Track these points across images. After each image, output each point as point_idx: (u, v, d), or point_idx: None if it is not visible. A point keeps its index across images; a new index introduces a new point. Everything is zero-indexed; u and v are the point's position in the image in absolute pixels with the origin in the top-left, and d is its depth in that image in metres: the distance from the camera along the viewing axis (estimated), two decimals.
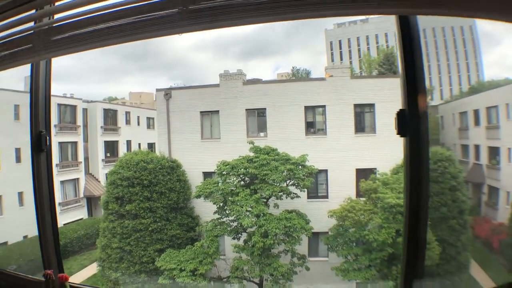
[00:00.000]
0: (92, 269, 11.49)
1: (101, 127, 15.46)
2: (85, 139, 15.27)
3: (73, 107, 14.72)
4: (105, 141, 15.72)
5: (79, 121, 14.91)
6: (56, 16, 1.57)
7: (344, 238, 8.70)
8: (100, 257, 10.39)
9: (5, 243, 9.87)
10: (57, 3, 1.53)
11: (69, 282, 1.58)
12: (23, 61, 1.55)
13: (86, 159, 15.34)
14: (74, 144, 14.76)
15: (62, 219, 13.48)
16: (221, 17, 1.22)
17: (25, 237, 11.79)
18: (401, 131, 1.39)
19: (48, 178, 1.75)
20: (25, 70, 1.67)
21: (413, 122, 1.36)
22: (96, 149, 15.39)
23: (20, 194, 12.00)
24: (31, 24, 1.56)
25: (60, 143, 14.06)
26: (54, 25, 1.54)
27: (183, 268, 9.12)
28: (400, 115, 1.38)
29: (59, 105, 14.04)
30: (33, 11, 1.55)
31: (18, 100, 11.96)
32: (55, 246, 1.73)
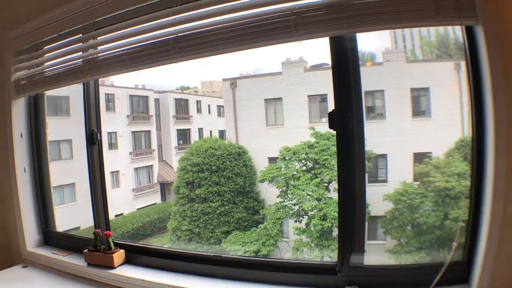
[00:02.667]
0: None
1: (173, 116, 16.40)
2: (158, 128, 16.29)
3: (145, 98, 15.71)
4: (177, 129, 16.62)
5: (152, 111, 15.89)
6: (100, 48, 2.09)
7: (398, 221, 8.77)
8: (170, 239, 11.35)
9: (78, 227, 11.05)
10: (99, 38, 2.07)
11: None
12: (74, 81, 2.13)
13: (160, 146, 16.38)
14: (148, 133, 15.77)
15: (137, 204, 14.53)
16: None
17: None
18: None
19: (100, 165, 2.31)
20: None
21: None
22: (169, 137, 16.36)
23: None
24: (80, 53, 2.12)
25: (133, 132, 15.09)
26: (98, 55, 2.06)
27: (247, 249, 9.75)
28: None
29: (131, 96, 15.07)
30: (81, 43, 2.12)
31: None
32: (105, 215, 2.29)
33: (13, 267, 2.40)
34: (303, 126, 11.46)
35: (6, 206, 2.59)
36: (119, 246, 2.16)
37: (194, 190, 11.11)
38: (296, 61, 12.63)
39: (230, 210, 11.27)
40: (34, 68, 2.38)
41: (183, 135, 17.06)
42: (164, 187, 16.66)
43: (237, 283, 1.79)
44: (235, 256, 2.02)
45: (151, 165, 15.98)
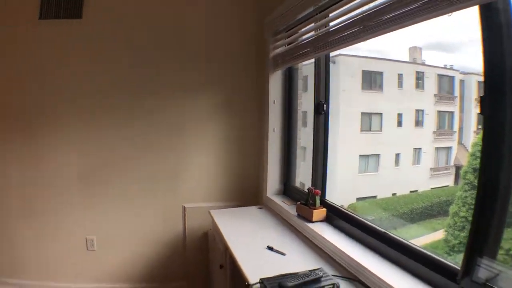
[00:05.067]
0: (440, 234, 11.88)
1: (475, 99, 14.94)
2: (461, 110, 15.17)
3: (450, 78, 14.87)
4: (478, 113, 15.12)
5: (456, 91, 14.91)
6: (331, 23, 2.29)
7: None
8: (448, 223, 10.61)
9: (375, 196, 11.57)
10: (330, 14, 2.27)
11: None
12: (309, 57, 2.44)
13: (460, 129, 15.29)
14: (451, 114, 14.91)
15: (431, 183, 14.21)
16: None
17: (393, 194, 13.26)
18: None
19: (324, 133, 2.57)
20: None
21: None
22: (469, 121, 15.06)
23: (397, 156, 13.57)
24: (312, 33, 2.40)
25: (438, 111, 14.65)
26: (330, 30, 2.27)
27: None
28: None
29: (439, 75, 14.55)
30: (312, 24, 2.39)
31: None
32: (323, 177, 2.56)
33: (252, 207, 3.06)
34: None
35: (260, 158, 3.27)
36: (327, 206, 2.41)
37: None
38: None
39: None
40: (286, 46, 2.83)
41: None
42: (458, 170, 15.59)
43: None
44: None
45: (450, 147, 15.21)
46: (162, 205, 3.44)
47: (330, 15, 2.21)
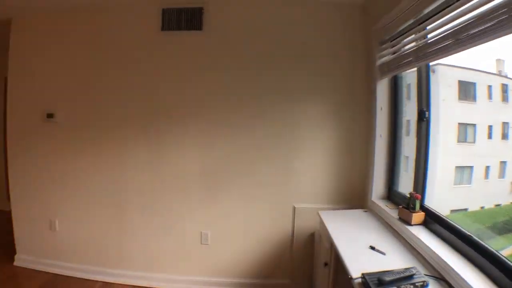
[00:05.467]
0: None
1: None
2: None
3: None
4: None
5: None
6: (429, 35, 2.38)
7: None
8: None
9: (466, 209, 10.46)
10: (427, 27, 2.36)
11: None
12: (407, 67, 2.57)
13: None
14: None
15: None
16: None
17: (482, 207, 11.72)
18: None
19: (426, 139, 2.64)
20: None
21: None
22: None
23: (487, 168, 12.05)
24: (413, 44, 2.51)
25: None
26: (428, 41, 2.37)
27: None
28: None
29: None
30: (413, 36, 2.51)
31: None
32: (423, 182, 2.63)
33: (358, 210, 3.24)
34: None
35: (367, 163, 3.41)
36: (425, 211, 2.49)
37: None
38: None
39: None
40: (390, 55, 2.95)
41: None
42: None
43: None
44: None
45: None
46: (273, 205, 3.67)
47: (427, 27, 2.31)
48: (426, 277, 1.87)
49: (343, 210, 3.31)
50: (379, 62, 3.11)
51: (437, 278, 1.89)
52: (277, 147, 3.65)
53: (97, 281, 3.96)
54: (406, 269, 1.92)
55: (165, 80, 3.69)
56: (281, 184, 3.68)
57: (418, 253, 2.19)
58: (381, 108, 3.21)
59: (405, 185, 3.03)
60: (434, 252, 2.01)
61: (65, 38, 3.85)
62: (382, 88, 3.20)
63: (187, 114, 3.69)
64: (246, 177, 3.71)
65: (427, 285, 1.79)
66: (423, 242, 2.16)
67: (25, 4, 3.69)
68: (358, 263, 2.05)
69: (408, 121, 3.02)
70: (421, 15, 2.40)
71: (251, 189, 3.72)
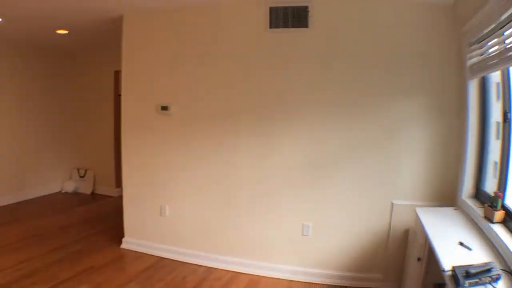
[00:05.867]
0: None
1: None
2: None
3: None
4: None
5: None
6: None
7: None
8: None
9: None
10: (506, 32, 2.43)
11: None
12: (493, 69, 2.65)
13: None
14: None
15: None
16: None
17: None
18: None
19: (508, 140, 2.68)
20: None
21: None
22: None
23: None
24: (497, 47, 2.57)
25: None
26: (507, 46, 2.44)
27: None
28: None
29: None
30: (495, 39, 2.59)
31: None
32: (505, 182, 2.69)
33: (449, 208, 3.35)
34: None
35: (459, 161, 3.49)
36: (505, 210, 2.60)
37: None
38: None
39: None
40: (479, 56, 2.96)
41: None
42: None
43: None
44: None
45: None
46: (370, 201, 3.80)
47: (504, 33, 2.39)
48: (501, 271, 2.03)
49: (436, 208, 3.41)
50: (469, 63, 3.16)
51: (509, 273, 2.04)
52: (376, 147, 3.79)
53: (201, 266, 4.22)
54: (486, 263, 2.09)
55: (275, 74, 3.92)
56: (381, 181, 3.80)
57: (497, 249, 2.33)
58: (472, 108, 3.24)
59: (490, 185, 3.07)
60: (509, 248, 2.16)
61: (175, 34, 4.22)
62: (472, 89, 3.23)
63: (296, 108, 3.90)
64: (347, 174, 3.85)
65: (499, 277, 1.96)
66: (501, 239, 2.29)
67: (139, 3, 4.03)
68: (449, 257, 2.23)
69: (498, 122, 3.05)
70: (499, 20, 2.48)
71: (351, 186, 3.84)
